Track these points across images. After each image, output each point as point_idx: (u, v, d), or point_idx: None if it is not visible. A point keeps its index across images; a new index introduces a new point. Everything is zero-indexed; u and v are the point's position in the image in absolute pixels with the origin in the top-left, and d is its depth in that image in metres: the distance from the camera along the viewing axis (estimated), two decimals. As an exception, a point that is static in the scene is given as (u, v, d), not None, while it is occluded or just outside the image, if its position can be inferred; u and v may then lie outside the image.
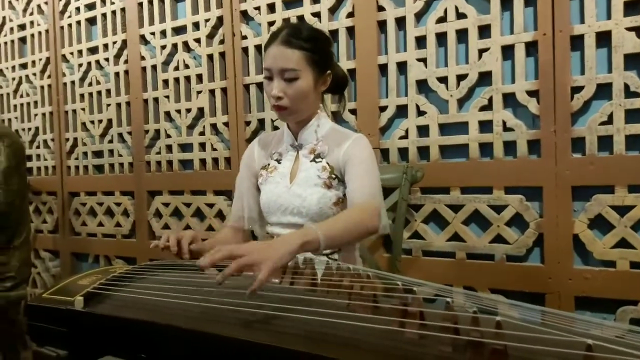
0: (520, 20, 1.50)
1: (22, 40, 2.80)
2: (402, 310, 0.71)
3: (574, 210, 1.46)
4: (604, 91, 1.41)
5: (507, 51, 1.54)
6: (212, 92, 2.11)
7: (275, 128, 1.94)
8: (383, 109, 1.74)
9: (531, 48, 1.51)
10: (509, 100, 1.55)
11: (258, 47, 1.98)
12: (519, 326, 0.63)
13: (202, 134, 2.15)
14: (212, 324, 0.77)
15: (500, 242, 1.56)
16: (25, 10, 2.75)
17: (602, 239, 1.43)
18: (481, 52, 1.57)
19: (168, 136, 2.25)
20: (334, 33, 1.82)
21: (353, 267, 0.96)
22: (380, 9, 1.72)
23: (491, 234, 1.57)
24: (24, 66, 2.79)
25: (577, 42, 1.44)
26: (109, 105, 2.44)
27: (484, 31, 1.57)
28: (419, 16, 1.69)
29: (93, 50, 2.50)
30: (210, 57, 2.11)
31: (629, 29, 1.37)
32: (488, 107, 1.56)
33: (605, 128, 1.40)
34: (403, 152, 1.72)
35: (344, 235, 1.05)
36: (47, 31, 2.65)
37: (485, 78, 1.57)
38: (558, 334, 0.58)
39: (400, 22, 1.70)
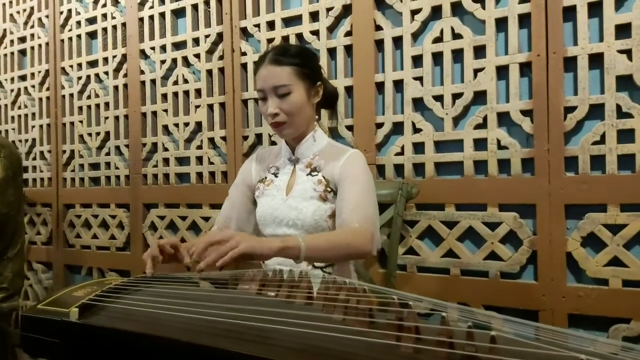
0: (514, 42, 1.53)
1: (22, 52, 2.82)
2: (398, 325, 0.72)
3: (567, 228, 1.48)
4: (596, 111, 1.44)
5: (502, 71, 1.57)
6: (210, 106, 2.13)
7: (273, 143, 1.96)
8: (379, 125, 1.76)
9: (525, 68, 1.54)
10: (504, 119, 1.57)
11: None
12: (513, 341, 0.63)
13: (199, 147, 2.16)
14: (207, 337, 0.77)
15: (494, 259, 1.57)
16: (26, 23, 2.78)
17: (594, 257, 1.44)
18: (476, 71, 1.60)
19: (165, 149, 2.26)
20: (333, 51, 1.85)
21: (349, 281, 0.97)
22: (378, 28, 1.76)
23: (485, 251, 1.58)
24: (23, 78, 2.81)
25: (570, 63, 1.47)
26: (107, 118, 2.45)
27: (479, 51, 1.60)
28: (416, 36, 1.72)
29: (92, 64, 2.52)
30: (209, 72, 2.13)
31: (621, 52, 1.40)
32: (483, 125, 1.59)
33: (598, 147, 1.43)
34: (399, 169, 1.73)
35: (326, 251, 1.07)
36: (47, 44, 2.67)
37: (480, 97, 1.60)
38: (551, 349, 0.59)
39: (397, 41, 1.73)
